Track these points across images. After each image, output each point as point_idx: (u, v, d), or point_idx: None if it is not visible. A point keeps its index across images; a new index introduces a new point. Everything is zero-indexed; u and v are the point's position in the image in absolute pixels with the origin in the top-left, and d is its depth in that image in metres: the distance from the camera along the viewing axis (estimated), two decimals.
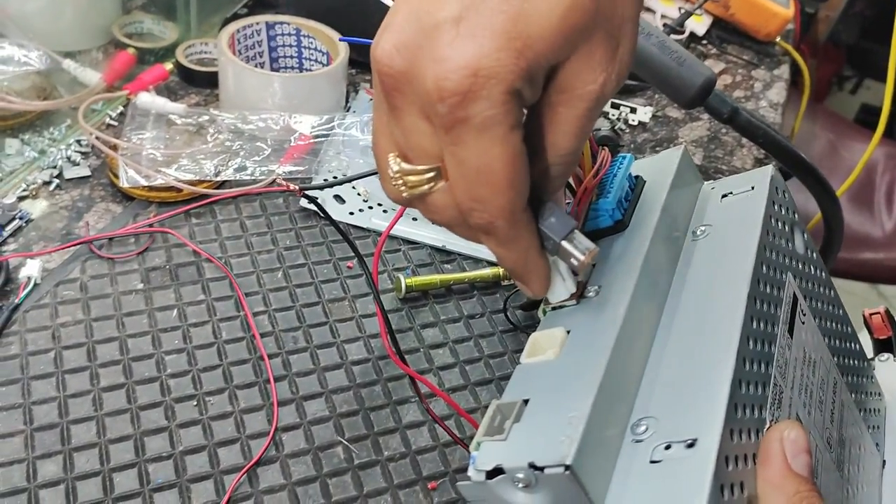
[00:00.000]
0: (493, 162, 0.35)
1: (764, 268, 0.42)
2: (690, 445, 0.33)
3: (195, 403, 0.64)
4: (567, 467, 0.32)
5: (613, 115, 1.01)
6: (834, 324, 0.49)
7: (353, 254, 0.78)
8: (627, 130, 1.00)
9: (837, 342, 0.49)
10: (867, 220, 1.66)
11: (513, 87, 0.34)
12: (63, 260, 0.73)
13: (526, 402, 0.37)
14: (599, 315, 0.39)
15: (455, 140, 0.35)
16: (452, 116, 0.34)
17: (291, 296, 0.74)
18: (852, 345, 0.51)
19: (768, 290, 0.42)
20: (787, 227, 0.46)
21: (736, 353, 0.36)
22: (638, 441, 0.35)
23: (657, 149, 0.99)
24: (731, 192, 0.47)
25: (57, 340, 0.67)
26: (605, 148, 0.47)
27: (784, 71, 1.22)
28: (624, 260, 0.42)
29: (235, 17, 0.95)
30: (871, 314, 0.58)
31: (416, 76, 0.35)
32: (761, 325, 0.40)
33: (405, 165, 0.38)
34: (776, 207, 0.46)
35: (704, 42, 1.23)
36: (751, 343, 0.38)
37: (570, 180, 0.45)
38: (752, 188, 0.46)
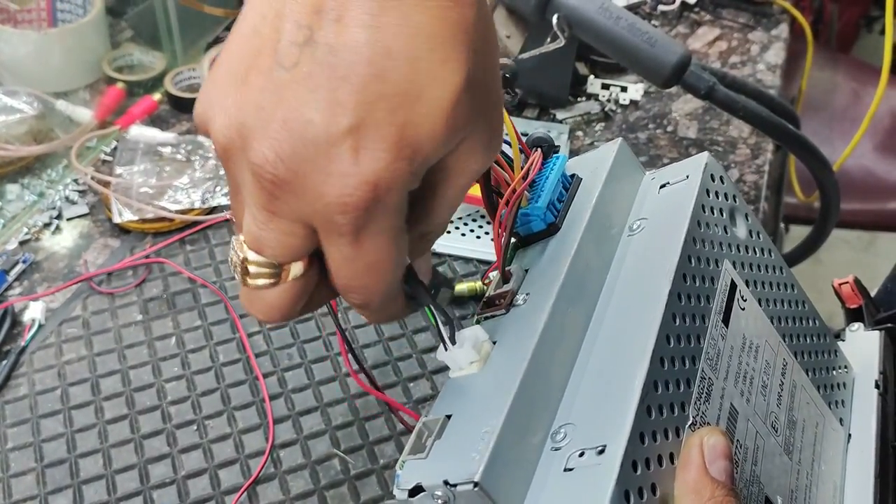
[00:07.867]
0: (385, 257, 0.37)
1: (693, 261, 0.42)
2: (601, 452, 0.34)
3: (195, 428, 0.66)
4: (476, 484, 0.33)
5: (604, 96, 0.99)
6: (786, 304, 0.49)
7: None
8: (619, 111, 1.00)
9: (791, 322, 0.49)
10: (895, 169, 1.62)
11: (405, 192, 0.36)
12: (66, 299, 0.76)
13: (449, 417, 0.38)
14: (523, 324, 0.40)
15: (350, 243, 0.36)
16: (352, 226, 0.35)
17: None
18: (809, 322, 0.51)
19: (697, 283, 0.42)
20: (724, 214, 0.46)
21: (650, 354, 0.36)
22: (556, 449, 0.35)
23: (650, 126, 0.98)
24: (668, 183, 0.47)
25: (62, 378, 0.70)
26: (539, 149, 0.47)
27: (783, 30, 1.20)
28: (553, 264, 0.42)
29: (218, 40, 0.97)
30: (840, 284, 0.57)
31: (305, 188, 0.34)
32: (686, 320, 0.40)
33: (258, 257, 0.38)
34: (711, 196, 0.46)
35: (697, 10, 1.21)
36: (672, 341, 0.38)
37: (500, 185, 0.45)
38: (687, 177, 0.46)
